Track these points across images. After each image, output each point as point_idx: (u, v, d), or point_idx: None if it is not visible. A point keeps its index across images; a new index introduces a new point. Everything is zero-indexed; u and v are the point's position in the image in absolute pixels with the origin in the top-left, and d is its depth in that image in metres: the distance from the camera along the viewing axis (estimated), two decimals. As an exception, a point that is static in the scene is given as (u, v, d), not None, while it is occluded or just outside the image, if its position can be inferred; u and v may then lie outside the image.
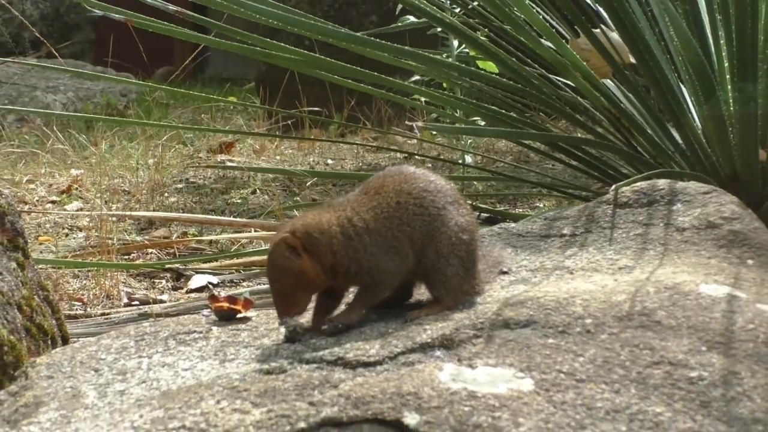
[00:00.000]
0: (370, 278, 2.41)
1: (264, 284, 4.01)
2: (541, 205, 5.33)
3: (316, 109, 7.34)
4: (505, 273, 2.67)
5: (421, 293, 2.57)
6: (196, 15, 4.42)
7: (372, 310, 2.49)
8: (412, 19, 5.71)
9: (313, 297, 2.44)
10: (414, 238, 2.42)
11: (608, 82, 4.19)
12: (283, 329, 2.39)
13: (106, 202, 5.93)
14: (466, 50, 5.31)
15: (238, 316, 2.60)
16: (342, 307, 2.49)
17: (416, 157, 6.59)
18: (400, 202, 2.43)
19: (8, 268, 2.87)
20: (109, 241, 4.97)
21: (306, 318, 2.44)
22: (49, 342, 2.90)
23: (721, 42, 3.81)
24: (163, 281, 4.59)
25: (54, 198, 6.25)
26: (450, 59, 5.16)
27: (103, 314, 4.05)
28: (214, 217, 5.43)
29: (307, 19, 4.34)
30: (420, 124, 6.98)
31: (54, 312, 3.04)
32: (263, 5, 4.31)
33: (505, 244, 2.91)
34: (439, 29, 5.24)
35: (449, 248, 2.42)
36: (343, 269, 2.39)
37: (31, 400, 2.26)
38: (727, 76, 3.80)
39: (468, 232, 2.46)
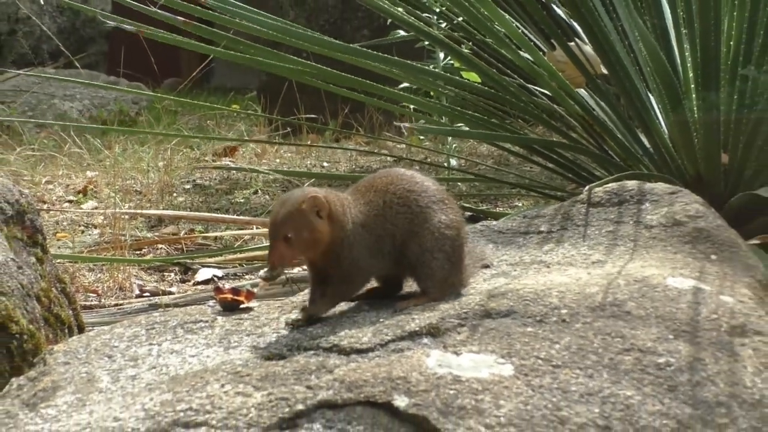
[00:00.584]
0: (348, 269, 2.40)
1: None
2: (520, 205, 5.33)
3: (313, 116, 7.35)
4: (487, 267, 2.67)
5: (410, 285, 2.56)
6: (202, 26, 4.42)
7: (364, 301, 2.50)
8: (401, 33, 5.72)
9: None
10: (396, 234, 2.41)
11: (582, 91, 4.19)
12: (283, 318, 2.40)
13: (119, 201, 5.92)
14: (451, 62, 5.31)
15: (241, 306, 2.59)
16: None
17: (405, 160, 6.59)
18: (386, 201, 2.42)
19: (28, 263, 2.86)
20: (122, 238, 4.97)
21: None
22: (66, 331, 2.90)
23: (687, 54, 3.82)
24: (172, 274, 4.59)
25: (71, 197, 6.25)
26: (436, 70, 5.15)
27: (116, 305, 4.05)
28: (219, 215, 5.43)
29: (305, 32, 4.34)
30: (407, 125, 6.98)
31: (71, 303, 3.04)
32: (265, 20, 4.31)
33: (487, 240, 2.90)
34: (426, 42, 5.24)
35: (432, 243, 2.41)
36: (335, 251, 2.38)
37: (49, 384, 2.26)
38: (692, 86, 3.80)
39: (453, 228, 2.46)
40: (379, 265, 2.46)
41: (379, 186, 2.45)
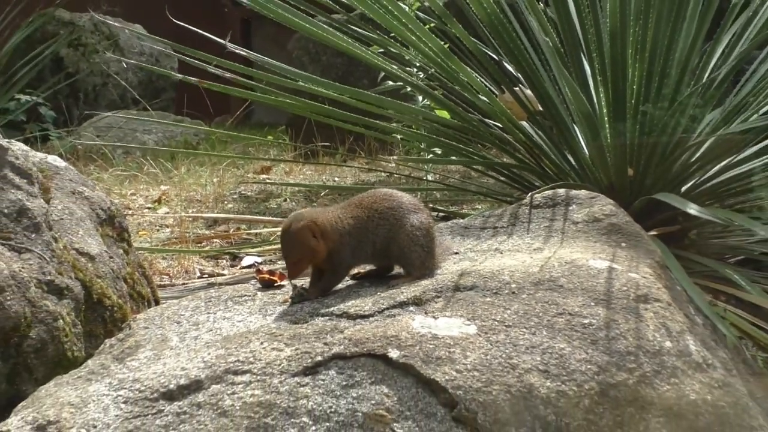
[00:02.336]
0: (336, 266, 2.40)
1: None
2: (480, 207, 5.32)
3: (327, 144, 7.34)
4: (455, 254, 2.66)
5: (398, 267, 2.55)
6: (245, 79, 4.41)
7: (366, 280, 2.49)
8: (390, 82, 5.71)
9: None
10: (376, 241, 2.41)
11: (524, 124, 4.19)
12: (292, 293, 2.41)
13: (184, 207, 5.92)
14: (428, 102, 5.30)
15: (276, 284, 2.58)
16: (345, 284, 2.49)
17: (395, 175, 6.58)
18: (369, 216, 2.41)
19: (117, 254, 2.86)
20: (187, 234, 4.96)
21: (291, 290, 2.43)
22: (146, 303, 2.89)
23: (601, 95, 3.82)
24: (224, 261, 4.58)
25: (149, 205, 6.24)
26: (417, 108, 5.15)
27: (183, 284, 4.04)
28: (258, 217, 5.42)
29: (323, 81, 4.34)
30: (395, 157, 6.99)
31: (149, 283, 3.03)
32: (292, 72, 4.32)
33: (456, 234, 2.89)
34: (409, 88, 5.23)
35: (408, 242, 2.40)
36: (329, 254, 2.38)
37: (133, 343, 2.25)
38: (606, 119, 3.80)
39: (423, 227, 2.44)
40: (359, 263, 2.47)
41: (366, 204, 2.44)
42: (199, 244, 4.94)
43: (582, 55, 3.95)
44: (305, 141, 7.85)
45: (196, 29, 4.40)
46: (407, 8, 4.46)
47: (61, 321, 2.37)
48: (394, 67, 4.41)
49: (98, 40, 11.78)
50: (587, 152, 3.89)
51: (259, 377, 1.97)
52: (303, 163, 7.64)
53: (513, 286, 2.27)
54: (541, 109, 4.06)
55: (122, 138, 9.06)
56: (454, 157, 4.70)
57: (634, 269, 2.39)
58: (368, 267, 2.55)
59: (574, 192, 2.90)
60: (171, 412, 1.93)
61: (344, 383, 1.95)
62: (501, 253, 2.62)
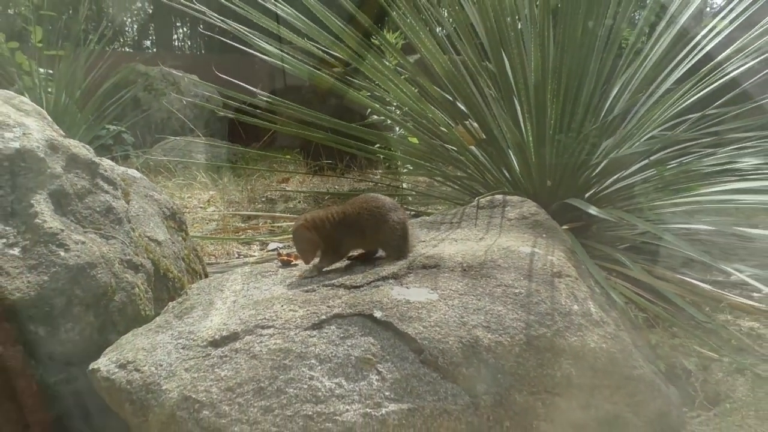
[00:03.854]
0: (335, 245, 2.38)
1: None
2: (441, 208, 5.31)
3: (329, 161, 7.32)
4: (423, 242, 2.65)
5: (381, 252, 2.54)
6: (269, 114, 4.40)
7: (357, 261, 2.47)
8: (375, 117, 5.70)
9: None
10: (365, 232, 2.39)
11: (473, 148, 4.18)
12: (303, 270, 2.39)
13: (226, 207, 5.89)
14: (403, 132, 5.28)
15: (292, 264, 2.57)
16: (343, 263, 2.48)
17: (379, 184, 6.57)
18: (360, 213, 2.40)
19: (177, 240, 2.84)
20: (228, 227, 4.93)
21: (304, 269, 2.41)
22: (198, 276, 2.87)
23: (528, 127, 3.81)
24: (255, 246, 4.56)
25: (201, 205, 6.20)
26: (394, 136, 5.13)
27: (225, 262, 4.01)
28: (280, 214, 5.40)
29: (327, 117, 4.33)
30: (379, 171, 6.97)
31: (200, 261, 3.01)
32: (303, 110, 4.30)
33: (423, 227, 2.89)
34: (389, 122, 5.21)
35: (389, 233, 2.39)
36: (326, 239, 2.36)
37: (189, 305, 2.23)
38: (531, 145, 3.80)
39: (400, 222, 2.43)
40: (351, 246, 2.44)
41: (358, 204, 2.43)
42: (236, 234, 4.91)
43: (514, 99, 3.95)
44: (314, 159, 7.83)
45: (234, 80, 4.39)
46: (388, 63, 4.44)
47: (137, 289, 2.35)
48: (378, 105, 4.39)
49: (165, 85, 11.71)
50: (518, 169, 3.89)
51: (280, 330, 1.96)
52: (312, 175, 7.62)
53: (464, 265, 2.26)
54: (484, 137, 4.05)
55: (182, 156, 9.01)
56: (421, 171, 4.69)
57: (551, 253, 2.39)
58: (359, 251, 2.54)
59: (508, 197, 2.90)
60: (216, 355, 1.92)
61: (342, 335, 1.94)
62: (456, 241, 2.61)
